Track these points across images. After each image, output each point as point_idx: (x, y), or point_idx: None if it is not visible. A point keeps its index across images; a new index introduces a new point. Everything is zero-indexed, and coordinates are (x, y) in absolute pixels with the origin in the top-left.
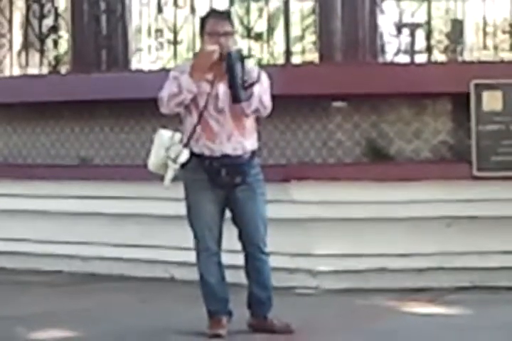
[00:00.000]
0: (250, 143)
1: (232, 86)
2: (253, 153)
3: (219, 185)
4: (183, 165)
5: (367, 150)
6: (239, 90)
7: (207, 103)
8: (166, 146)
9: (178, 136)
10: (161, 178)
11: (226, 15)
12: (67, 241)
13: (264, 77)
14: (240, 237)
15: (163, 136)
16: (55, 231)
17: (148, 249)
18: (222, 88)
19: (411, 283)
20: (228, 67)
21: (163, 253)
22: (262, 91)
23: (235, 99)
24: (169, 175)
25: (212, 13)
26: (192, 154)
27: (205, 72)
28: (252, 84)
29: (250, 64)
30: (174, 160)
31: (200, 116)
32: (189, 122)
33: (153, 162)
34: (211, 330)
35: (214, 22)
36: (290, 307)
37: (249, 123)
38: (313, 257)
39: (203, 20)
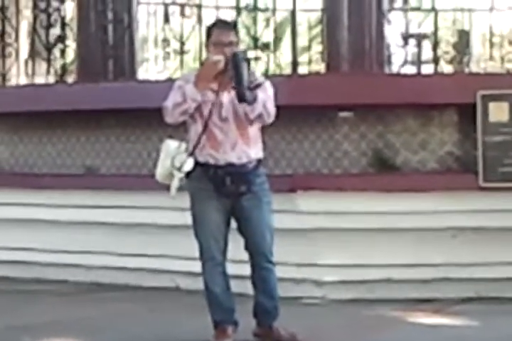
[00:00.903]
0: (255, 151)
1: (237, 85)
2: (258, 161)
3: (224, 193)
4: (188, 174)
5: (373, 161)
6: (245, 89)
7: (211, 112)
8: (172, 156)
9: (184, 145)
10: (168, 188)
11: (231, 25)
12: (72, 250)
13: (268, 84)
14: (247, 247)
15: (170, 145)
16: (60, 240)
17: (153, 258)
18: (226, 97)
19: (416, 293)
20: (234, 65)
21: (168, 262)
22: (265, 98)
23: (241, 97)
24: (175, 184)
25: (218, 23)
26: (197, 163)
27: (210, 81)
28: (257, 86)
29: (257, 74)
30: (179, 169)
31: (205, 125)
32: (194, 131)
33: (160, 172)
34: (216, 340)
35: (219, 32)
36: (296, 317)
37: (254, 131)
38: (319, 267)
39: (209, 30)
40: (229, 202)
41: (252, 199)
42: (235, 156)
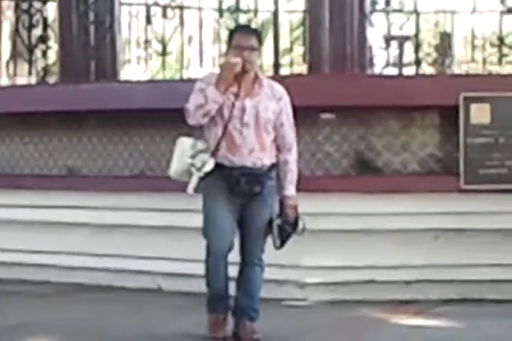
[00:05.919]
0: (268, 158)
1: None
2: (272, 165)
3: (237, 193)
4: (205, 174)
5: (355, 163)
6: (277, 247)
7: (231, 114)
8: (188, 154)
9: (199, 144)
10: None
11: (253, 30)
12: (54, 251)
13: (288, 104)
14: (240, 243)
15: (185, 143)
16: (42, 241)
17: (135, 259)
18: (249, 103)
19: (399, 295)
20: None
21: (150, 263)
22: (287, 128)
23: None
24: (193, 182)
25: (239, 27)
26: None
27: (230, 83)
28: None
29: (278, 86)
30: (199, 169)
31: (225, 127)
32: (213, 132)
33: (175, 169)
34: (213, 334)
35: (240, 36)
36: (278, 319)
37: (269, 140)
38: (302, 269)
39: (231, 35)
40: (240, 202)
41: (259, 201)
42: (249, 161)
